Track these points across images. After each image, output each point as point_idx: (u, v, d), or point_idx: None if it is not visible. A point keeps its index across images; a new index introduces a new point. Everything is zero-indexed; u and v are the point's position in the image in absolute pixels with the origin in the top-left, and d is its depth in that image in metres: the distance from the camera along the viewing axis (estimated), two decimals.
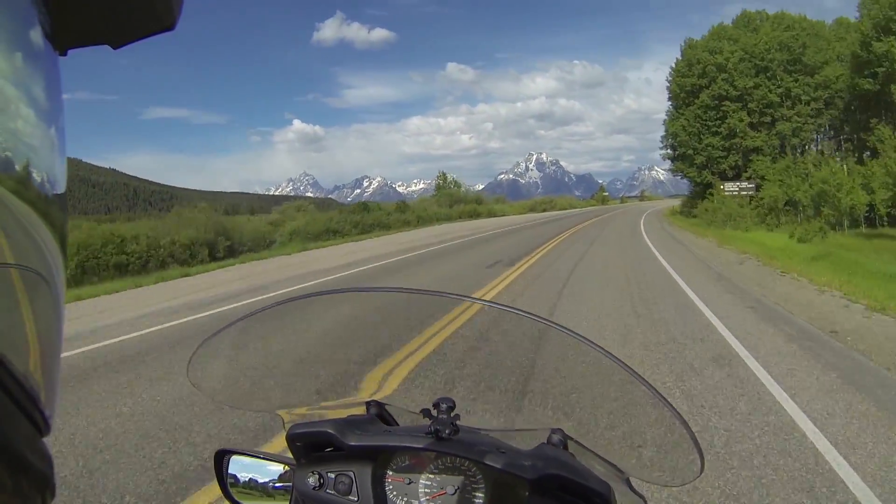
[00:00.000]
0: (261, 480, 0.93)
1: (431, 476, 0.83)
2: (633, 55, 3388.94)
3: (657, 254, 14.40)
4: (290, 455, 0.90)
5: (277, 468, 0.94)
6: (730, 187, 31.24)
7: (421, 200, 57.36)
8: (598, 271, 11.21)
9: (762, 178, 31.95)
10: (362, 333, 1.42)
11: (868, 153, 27.50)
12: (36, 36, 0.32)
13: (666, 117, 40.71)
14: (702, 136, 36.41)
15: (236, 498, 0.94)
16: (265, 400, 1.17)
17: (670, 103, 40.43)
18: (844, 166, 25.67)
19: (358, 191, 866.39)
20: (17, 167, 0.30)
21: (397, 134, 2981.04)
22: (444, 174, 62.33)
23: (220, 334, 0.96)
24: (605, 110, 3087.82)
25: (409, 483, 0.84)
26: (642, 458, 0.90)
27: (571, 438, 0.86)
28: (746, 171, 34.22)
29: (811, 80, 33.00)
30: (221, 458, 0.96)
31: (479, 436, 0.84)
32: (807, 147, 34.08)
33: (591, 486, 0.74)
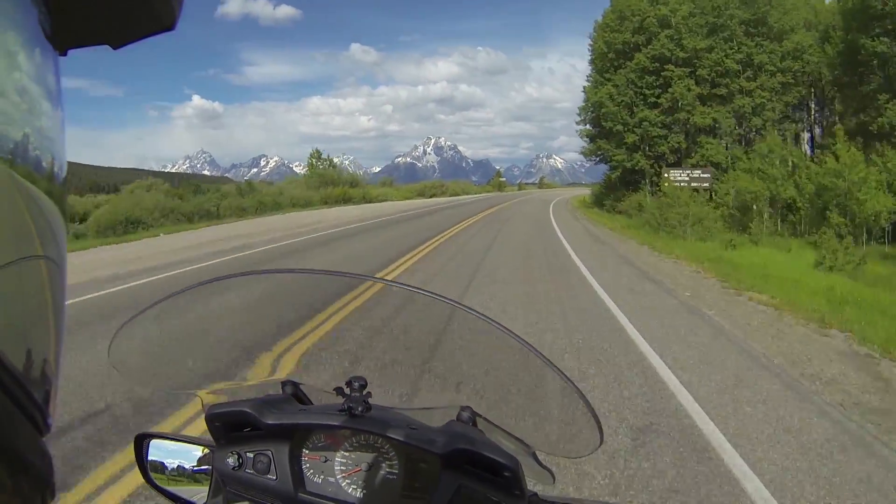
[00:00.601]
0: (181, 464, 0.93)
1: (346, 453, 0.85)
2: (538, 44, 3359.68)
3: (639, 340, 4.21)
4: (209, 437, 0.91)
5: (198, 451, 0.93)
6: (677, 176, 22.52)
7: (288, 182, 47.45)
8: None
9: (716, 165, 23.84)
10: (277, 313, 1.38)
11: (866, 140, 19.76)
12: (42, 35, 0.32)
13: (587, 83, 31.84)
14: (635, 107, 27.76)
15: (157, 482, 0.94)
16: (183, 381, 1.13)
17: (591, 68, 31.63)
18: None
19: (255, 170, 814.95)
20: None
21: (297, 113, 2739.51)
22: (317, 151, 49.81)
23: (139, 317, 0.93)
24: (505, 97, 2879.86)
25: (326, 461, 0.85)
26: (547, 432, 0.93)
27: (480, 415, 0.87)
28: (692, 157, 26.07)
29: (778, 46, 25.30)
30: (141, 442, 0.95)
31: (390, 413, 0.86)
32: (779, 131, 26.27)
33: (499, 459, 0.75)
